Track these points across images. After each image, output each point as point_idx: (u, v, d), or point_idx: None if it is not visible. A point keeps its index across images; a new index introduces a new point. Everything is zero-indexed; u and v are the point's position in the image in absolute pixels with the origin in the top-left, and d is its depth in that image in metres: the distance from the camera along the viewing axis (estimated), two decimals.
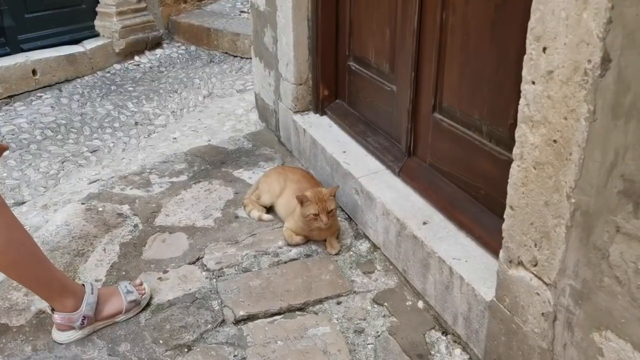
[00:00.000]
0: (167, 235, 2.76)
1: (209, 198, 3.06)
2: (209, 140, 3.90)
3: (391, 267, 2.46)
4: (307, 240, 2.67)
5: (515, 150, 1.62)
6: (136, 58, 5.90)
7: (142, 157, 3.85)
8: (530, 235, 1.61)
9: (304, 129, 3.18)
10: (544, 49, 1.46)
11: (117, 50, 5.69)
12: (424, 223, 2.26)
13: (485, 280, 1.93)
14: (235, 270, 2.50)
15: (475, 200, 2.21)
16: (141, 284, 2.31)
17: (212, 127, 4.24)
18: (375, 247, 2.58)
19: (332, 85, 3.24)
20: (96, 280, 2.43)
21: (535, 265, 1.62)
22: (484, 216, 2.14)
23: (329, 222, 2.52)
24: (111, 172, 3.55)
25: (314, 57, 3.18)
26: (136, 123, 4.64)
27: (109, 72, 5.60)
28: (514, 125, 1.94)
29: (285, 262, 2.55)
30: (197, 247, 2.66)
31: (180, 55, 6.15)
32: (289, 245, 2.65)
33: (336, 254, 2.58)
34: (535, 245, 1.60)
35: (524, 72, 1.54)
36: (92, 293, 2.14)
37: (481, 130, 2.14)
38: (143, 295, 2.27)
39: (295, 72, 3.23)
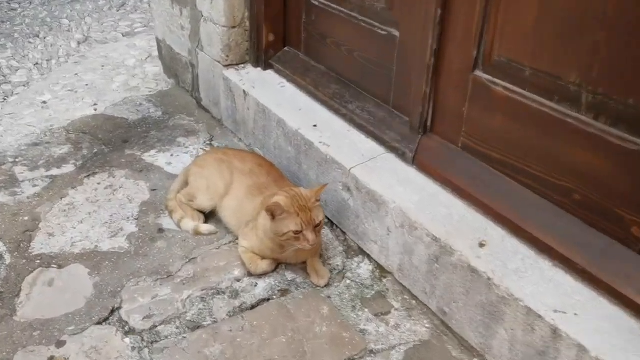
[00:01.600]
0: (56, 272, 1.76)
1: (113, 200, 2.07)
2: (95, 105, 2.83)
3: (415, 302, 1.67)
4: (277, 264, 1.80)
5: None
6: None
7: None
8: None
9: (244, 91, 2.24)
10: None
11: None
12: (482, 245, 1.47)
13: (625, 351, 1.19)
14: (178, 329, 1.59)
15: (560, 208, 1.45)
16: None
17: (97, 85, 3.13)
18: (382, 270, 1.77)
19: (279, 28, 2.30)
20: None
21: None
22: (582, 234, 1.39)
23: (317, 241, 1.66)
24: None
25: None
26: None
27: None
28: None
29: (253, 307, 1.67)
30: (108, 290, 1.70)
31: None
32: (250, 274, 1.76)
33: (326, 286, 1.74)
34: None
35: None
36: None
37: (578, 101, 1.35)
38: None
39: (226, 9, 2.24)
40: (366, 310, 1.66)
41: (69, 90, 3.12)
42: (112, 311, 1.63)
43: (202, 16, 2.39)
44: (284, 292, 1.72)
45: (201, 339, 1.55)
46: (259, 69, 2.35)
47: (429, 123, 1.75)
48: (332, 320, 1.62)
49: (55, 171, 2.22)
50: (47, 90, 3.16)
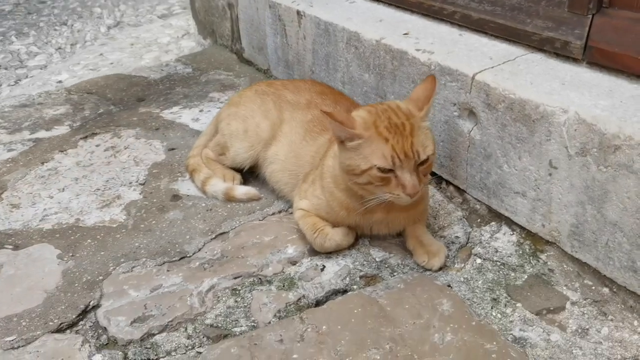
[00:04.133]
0: (9, 254, 1.12)
1: (113, 163, 1.43)
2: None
3: (607, 290, 0.93)
4: (356, 235, 1.10)
5: None
6: None
7: None
8: None
9: (297, 12, 1.59)
10: None
11: None
12: None
13: None
14: (189, 338, 0.91)
15: None
16: None
17: (123, 63, 2.58)
18: (535, 239, 1.04)
19: None
20: None
21: None
22: None
23: (421, 192, 0.95)
24: None
25: None
26: None
27: None
28: None
29: (319, 303, 0.97)
30: (83, 280, 1.04)
31: None
32: (314, 252, 1.07)
33: (440, 269, 1.03)
34: None
35: None
36: None
37: None
38: None
39: None
40: (518, 305, 0.93)
41: (90, 70, 2.57)
42: (84, 312, 0.97)
43: None
44: (370, 280, 1.02)
45: (229, 356, 0.86)
46: None
47: None
48: (460, 322, 0.90)
49: (42, 134, 1.61)
50: (65, 70, 2.63)
